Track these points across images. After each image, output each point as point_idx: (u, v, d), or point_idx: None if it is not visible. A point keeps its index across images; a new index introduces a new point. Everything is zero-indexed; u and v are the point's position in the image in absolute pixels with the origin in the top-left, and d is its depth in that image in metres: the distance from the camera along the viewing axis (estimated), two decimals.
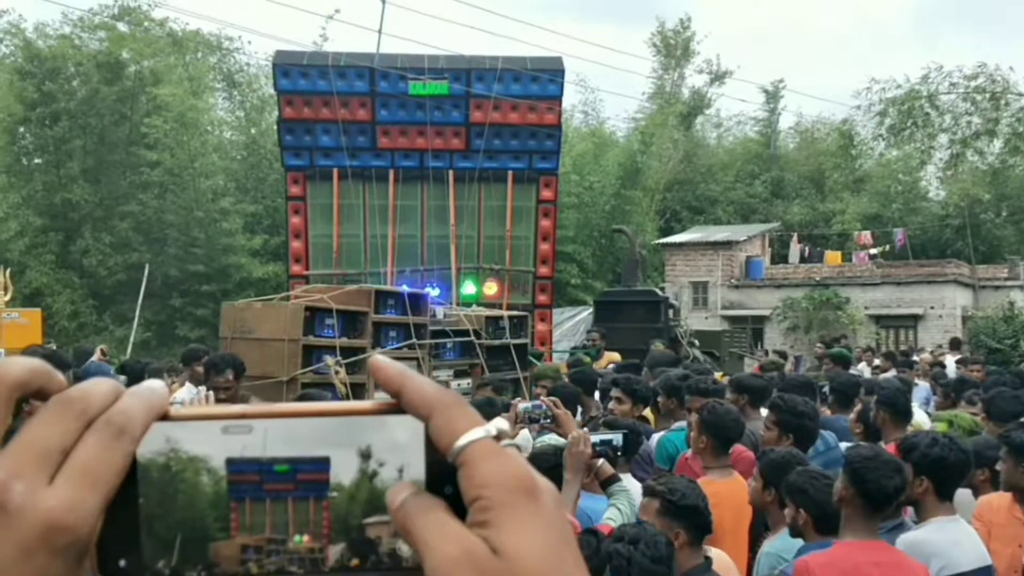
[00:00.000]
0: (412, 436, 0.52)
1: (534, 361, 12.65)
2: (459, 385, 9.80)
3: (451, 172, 16.05)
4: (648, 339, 13.56)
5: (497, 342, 11.09)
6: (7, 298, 15.20)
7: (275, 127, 18.94)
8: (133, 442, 0.50)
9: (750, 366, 15.38)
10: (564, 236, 19.28)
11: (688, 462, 5.29)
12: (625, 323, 15.48)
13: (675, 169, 41.75)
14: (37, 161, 27.49)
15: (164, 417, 0.51)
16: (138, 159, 26.90)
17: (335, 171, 15.88)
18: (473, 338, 10.57)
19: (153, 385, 0.52)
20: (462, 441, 0.51)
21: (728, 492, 4.52)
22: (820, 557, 3.44)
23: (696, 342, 17.40)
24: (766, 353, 16.44)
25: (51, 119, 26.18)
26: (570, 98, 45.19)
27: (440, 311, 11.30)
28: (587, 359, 11.49)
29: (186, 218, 26.98)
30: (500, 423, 0.52)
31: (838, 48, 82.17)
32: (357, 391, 8.42)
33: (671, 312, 17.83)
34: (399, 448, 0.52)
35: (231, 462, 0.51)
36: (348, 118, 15.70)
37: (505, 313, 12.01)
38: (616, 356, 11.85)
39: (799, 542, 3.78)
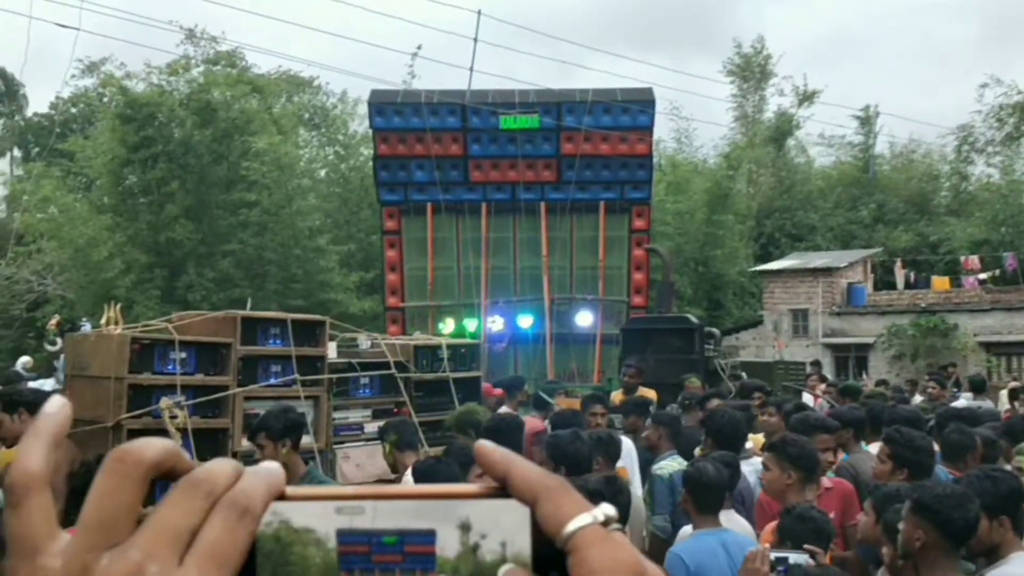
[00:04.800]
0: (518, 520, 0.52)
1: (547, 399, 11.54)
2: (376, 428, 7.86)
3: (543, 204, 16.10)
4: (681, 372, 11.83)
5: (431, 376, 9.24)
6: (117, 332, 15.69)
7: (366, 164, 19.24)
8: (255, 522, 0.51)
9: (808, 402, 12.31)
10: (658, 265, 19.00)
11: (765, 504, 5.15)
12: (656, 354, 13.43)
13: (769, 194, 41.02)
14: (142, 201, 28.40)
15: (281, 497, 0.52)
16: (236, 200, 27.61)
17: (429, 205, 16.10)
18: (395, 372, 8.86)
19: (271, 466, 0.54)
20: (571, 527, 0.51)
21: None
22: None
23: (743, 375, 15.06)
24: (831, 386, 14.25)
25: (151, 161, 27.05)
26: (662, 128, 44.96)
27: (364, 341, 9.67)
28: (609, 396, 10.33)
29: (285, 255, 27.55)
30: (607, 508, 0.52)
31: (924, 68, 79.57)
32: (212, 438, 7.15)
33: (711, 341, 15.50)
34: (502, 527, 0.52)
35: (340, 533, 0.51)
36: (441, 153, 15.92)
37: (444, 342, 10.01)
38: (651, 393, 9.99)
39: None
